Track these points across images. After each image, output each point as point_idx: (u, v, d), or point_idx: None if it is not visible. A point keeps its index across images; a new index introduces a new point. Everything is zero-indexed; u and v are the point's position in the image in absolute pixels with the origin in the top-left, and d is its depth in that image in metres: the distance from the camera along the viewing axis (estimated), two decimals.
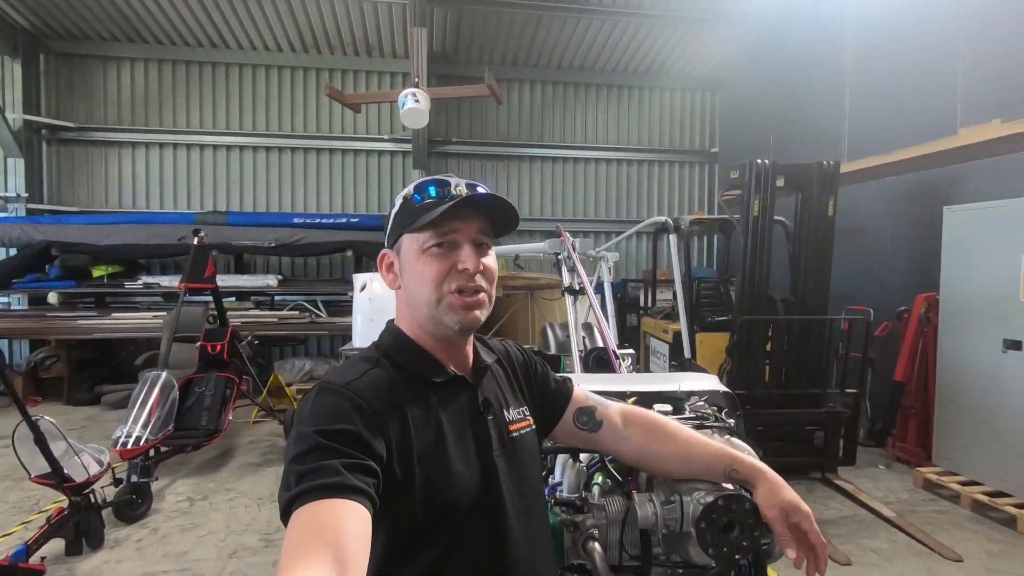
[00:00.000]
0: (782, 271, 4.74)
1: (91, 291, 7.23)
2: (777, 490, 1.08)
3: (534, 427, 1.10)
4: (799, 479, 4.46)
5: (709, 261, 8.83)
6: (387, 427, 0.88)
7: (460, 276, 0.95)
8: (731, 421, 1.49)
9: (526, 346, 2.31)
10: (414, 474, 0.89)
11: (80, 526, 3.23)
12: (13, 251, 6.98)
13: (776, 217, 4.66)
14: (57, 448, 3.08)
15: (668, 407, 1.46)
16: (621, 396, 1.56)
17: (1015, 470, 3.83)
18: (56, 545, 3.17)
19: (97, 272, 7.15)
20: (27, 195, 7.32)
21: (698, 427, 1.43)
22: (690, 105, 9.14)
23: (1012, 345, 3.90)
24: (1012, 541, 3.51)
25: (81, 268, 7.16)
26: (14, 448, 2.97)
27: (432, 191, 0.97)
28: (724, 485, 1.11)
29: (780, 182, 4.54)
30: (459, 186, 0.97)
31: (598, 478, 1.22)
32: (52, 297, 7.01)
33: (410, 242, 0.97)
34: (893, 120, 5.46)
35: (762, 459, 3.67)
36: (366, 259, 7.71)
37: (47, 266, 7.03)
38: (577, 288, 2.14)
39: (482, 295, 0.98)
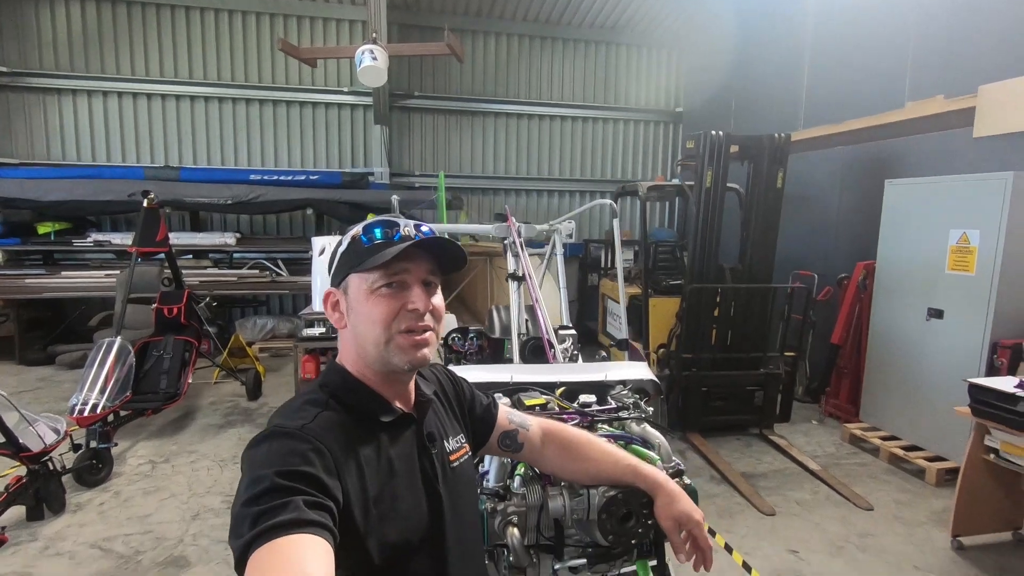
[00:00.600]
0: (735, 239, 4.91)
1: (38, 249, 6.98)
2: (673, 503, 1.19)
3: (470, 453, 1.15)
4: (739, 435, 4.80)
5: (671, 222, 9.00)
6: (343, 471, 0.88)
7: (410, 316, 0.96)
8: (651, 409, 1.63)
9: (474, 327, 2.39)
10: (369, 516, 0.90)
11: (40, 493, 3.29)
12: None
13: (730, 184, 4.79)
14: (10, 419, 3.10)
15: (592, 397, 1.59)
16: (551, 387, 1.69)
17: (929, 427, 4.20)
18: (17, 512, 3.24)
19: (43, 229, 6.88)
20: None
21: (615, 416, 1.58)
22: (656, 63, 9.06)
23: (935, 314, 4.19)
24: (919, 491, 3.89)
25: (25, 225, 6.88)
26: None
27: (379, 233, 0.97)
28: None
29: (734, 149, 4.64)
30: (407, 227, 0.99)
31: (520, 469, 1.35)
32: None
33: (358, 282, 0.97)
34: (847, 91, 5.58)
35: (705, 418, 3.95)
36: (327, 218, 7.61)
37: None
38: (521, 276, 2.22)
39: (429, 334, 0.99)
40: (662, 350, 4.98)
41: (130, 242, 5.15)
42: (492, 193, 8.76)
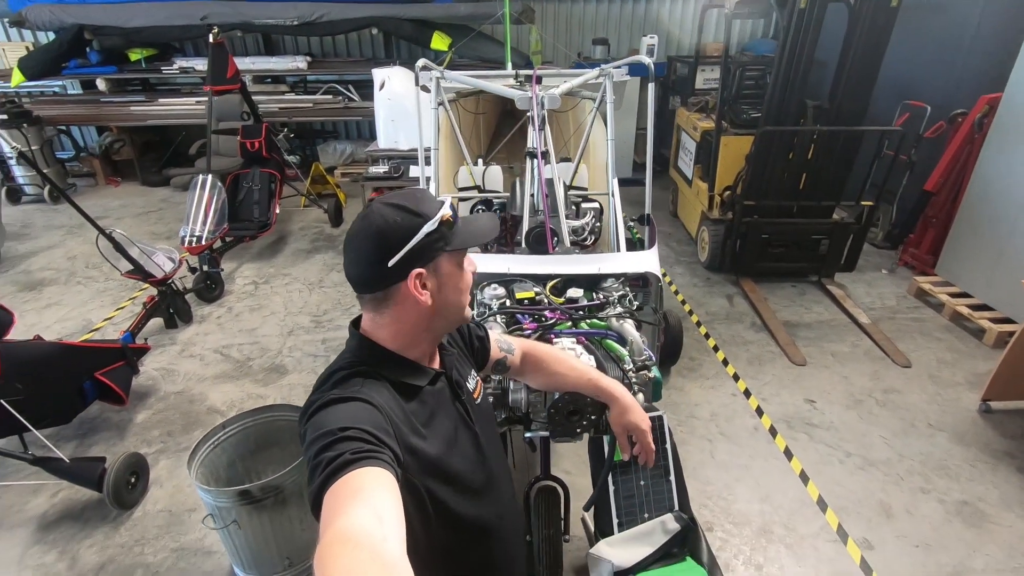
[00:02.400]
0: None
1: (134, 76, 7.41)
2: (624, 413, 1.37)
3: (483, 387, 1.28)
4: (796, 282, 4.76)
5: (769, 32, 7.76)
6: (398, 430, 0.95)
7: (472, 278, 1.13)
8: (637, 303, 1.74)
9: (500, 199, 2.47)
10: (426, 464, 0.99)
11: (170, 308, 4.07)
12: (51, 36, 7.02)
13: None
14: (133, 252, 3.73)
15: (579, 292, 1.72)
16: (545, 279, 1.82)
17: (1008, 288, 3.91)
18: (157, 322, 4.07)
19: (134, 56, 7.23)
20: None
21: (600, 309, 1.71)
22: None
23: None
24: (969, 352, 3.83)
25: (118, 51, 7.25)
26: (101, 253, 3.61)
27: (455, 211, 1.04)
28: None
29: None
30: (444, 204, 1.03)
31: None
32: (101, 83, 7.29)
33: (451, 259, 1.04)
34: None
35: (761, 264, 3.96)
36: (393, 38, 7.30)
37: (87, 50, 7.15)
38: (543, 151, 2.16)
39: None
40: (728, 193, 4.78)
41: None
42: (569, 1, 7.83)
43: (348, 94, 7.32)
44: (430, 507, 1.00)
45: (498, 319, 1.72)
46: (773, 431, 3.14)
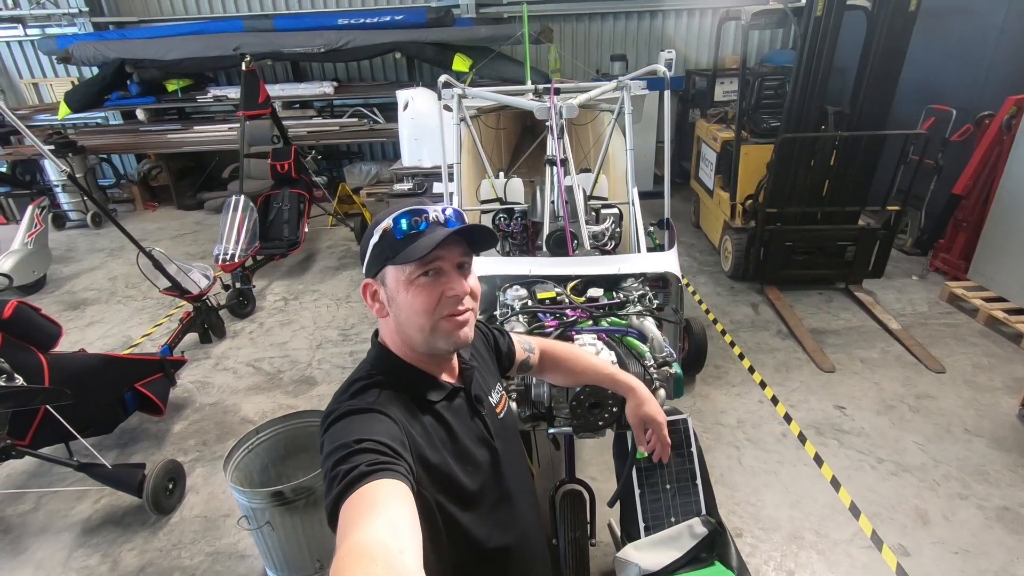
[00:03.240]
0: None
1: (171, 106, 7.78)
2: (640, 405, 1.38)
3: (508, 401, 1.27)
4: (822, 290, 4.70)
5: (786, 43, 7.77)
6: (413, 441, 0.96)
7: (449, 302, 1.00)
8: (657, 301, 1.77)
9: (521, 207, 2.54)
10: (439, 478, 0.99)
11: (205, 323, 4.22)
12: (95, 69, 7.42)
13: (857, 2, 4.03)
14: (171, 270, 3.89)
15: (600, 291, 1.75)
16: (566, 280, 1.86)
17: None
18: (192, 337, 4.22)
19: (171, 86, 7.59)
20: (87, 9, 7.48)
21: (621, 307, 1.74)
22: None
23: None
24: (1007, 357, 3.72)
25: (156, 83, 7.62)
26: (141, 271, 3.78)
27: (407, 223, 0.98)
28: None
29: None
30: (435, 212, 0.99)
31: None
32: (140, 113, 7.67)
33: (395, 273, 0.99)
34: None
35: (786, 272, 3.93)
36: (416, 61, 7.53)
37: (128, 82, 7.53)
38: (561, 159, 2.22)
39: (469, 313, 1.04)
40: (749, 201, 4.77)
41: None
42: (587, 19, 7.98)
43: (373, 116, 7.55)
44: (440, 523, 0.99)
45: (520, 319, 1.76)
46: (802, 437, 3.09)
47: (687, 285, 4.91)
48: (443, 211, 1.00)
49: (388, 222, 0.99)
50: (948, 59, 5.07)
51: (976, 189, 4.53)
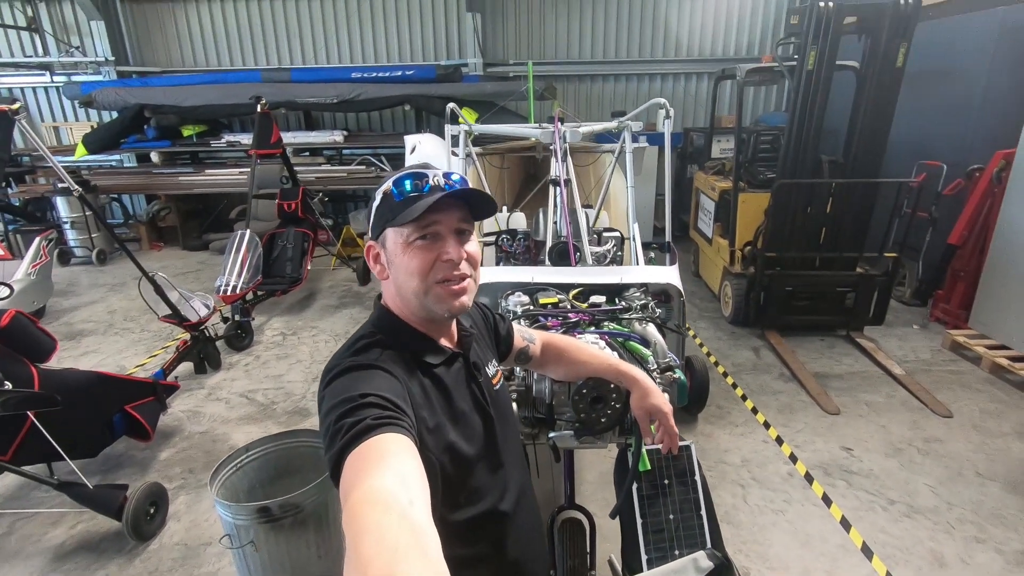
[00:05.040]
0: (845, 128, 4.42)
1: (185, 150, 8.02)
2: (645, 396, 1.35)
3: (503, 377, 1.26)
4: (824, 336, 4.68)
5: (780, 105, 8.11)
6: (414, 398, 0.96)
7: (445, 267, 0.99)
8: (660, 311, 1.76)
9: (523, 230, 2.57)
10: (437, 436, 0.98)
11: (201, 353, 4.17)
12: (114, 114, 7.70)
13: (845, 62, 4.25)
14: (172, 296, 3.89)
15: (602, 298, 1.75)
16: (568, 288, 1.86)
17: None
18: (187, 367, 4.16)
19: (187, 132, 7.85)
20: (113, 58, 7.86)
21: (616, 316, 1.74)
22: None
23: None
24: (1015, 402, 3.66)
25: (173, 128, 7.89)
26: (142, 296, 3.78)
27: (409, 185, 0.98)
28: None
29: (850, 20, 4.06)
30: (436, 177, 0.99)
31: None
32: (154, 156, 7.90)
33: (394, 236, 1.00)
34: None
35: (787, 318, 3.96)
36: (425, 113, 7.83)
37: (145, 127, 7.80)
38: (564, 179, 2.29)
39: (467, 281, 1.03)
40: (748, 247, 4.83)
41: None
42: (589, 80, 8.37)
43: (380, 165, 7.77)
44: (441, 483, 0.98)
45: (523, 323, 1.75)
46: (809, 477, 2.99)
47: (688, 329, 4.88)
48: (445, 175, 1.00)
49: (389, 184, 1.00)
50: (936, 117, 5.28)
51: (971, 239, 4.60)
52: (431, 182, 0.98)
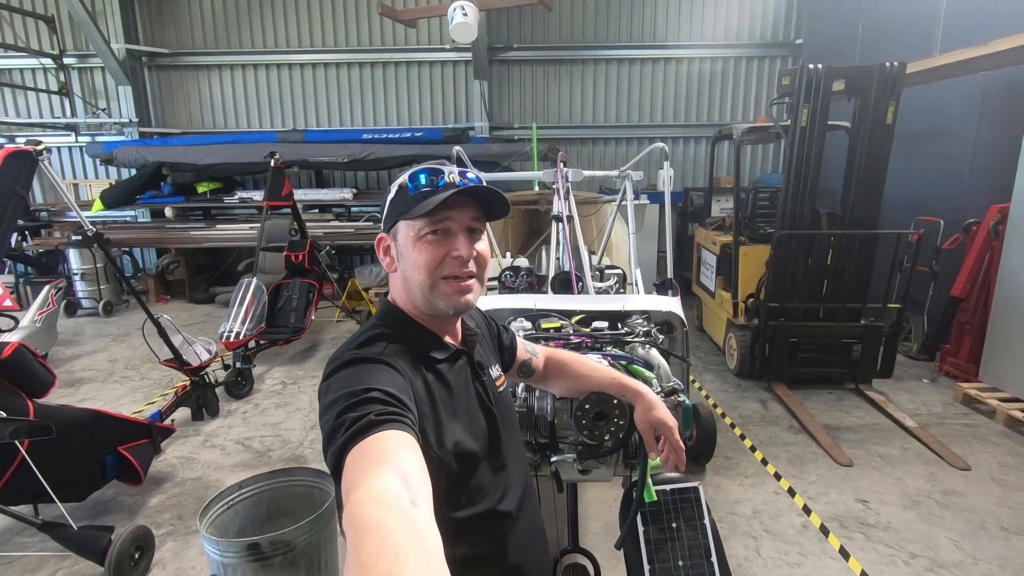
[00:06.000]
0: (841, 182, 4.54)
1: (198, 206, 8.26)
2: (649, 410, 1.32)
3: (506, 382, 1.24)
4: (832, 389, 4.60)
5: (777, 166, 8.37)
6: (417, 393, 0.95)
7: (453, 263, 0.99)
8: (662, 337, 1.76)
9: (527, 266, 2.60)
10: (441, 433, 0.97)
11: (200, 399, 4.12)
12: (133, 171, 8.00)
13: (837, 123, 4.43)
14: (175, 340, 3.89)
15: (604, 323, 1.75)
16: (569, 314, 1.87)
17: None
18: (184, 413, 4.09)
19: (201, 188, 8.12)
20: (137, 120, 8.26)
21: (619, 340, 1.73)
22: None
23: None
24: None
25: (188, 185, 8.17)
26: (145, 339, 3.78)
27: (424, 180, 0.98)
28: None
29: (840, 85, 4.28)
30: (452, 174, 0.99)
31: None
32: (168, 211, 8.12)
33: (406, 229, 1.00)
34: (994, 6, 4.79)
35: (793, 369, 3.93)
36: None
37: (161, 184, 8.07)
38: (566, 216, 2.36)
39: (473, 280, 1.03)
40: (751, 300, 4.84)
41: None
42: (591, 143, 8.70)
43: None
44: (442, 480, 0.95)
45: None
46: (824, 530, 2.85)
47: (693, 381, 4.82)
48: (461, 173, 1.01)
49: (405, 178, 1.01)
50: (931, 176, 5.42)
51: (974, 292, 4.60)
52: (447, 178, 0.99)
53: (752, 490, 3.22)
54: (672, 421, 1.31)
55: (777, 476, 3.36)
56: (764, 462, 3.52)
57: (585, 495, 3.06)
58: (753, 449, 3.68)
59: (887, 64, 4.02)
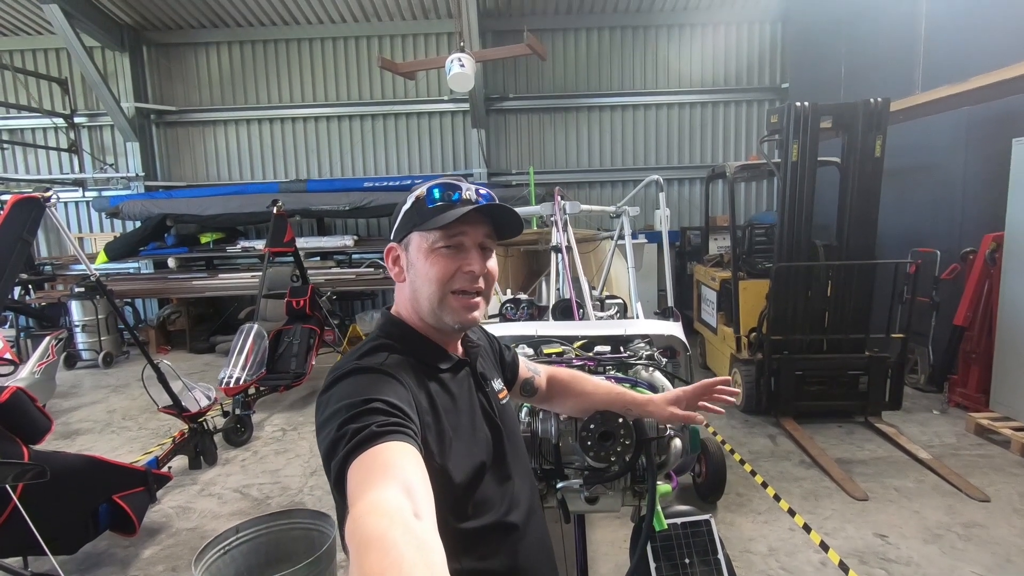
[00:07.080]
0: (835, 215, 4.61)
1: (201, 256, 8.34)
2: (663, 400, 1.35)
3: (508, 396, 1.24)
4: (841, 422, 4.52)
5: (771, 205, 8.51)
6: (419, 403, 0.94)
7: (465, 278, 1.00)
8: (664, 360, 1.75)
9: (527, 297, 2.60)
10: (444, 443, 0.96)
11: (198, 447, 4.04)
12: (137, 223, 8.12)
13: (827, 158, 4.54)
14: (175, 386, 3.85)
15: (606, 347, 1.74)
16: (571, 340, 1.86)
17: None
18: (181, 461, 4.01)
19: (204, 239, 8.22)
20: (143, 174, 8.46)
21: (622, 363, 1.72)
22: (758, 39, 8.60)
23: None
24: None
25: (191, 236, 8.27)
26: (144, 386, 3.75)
27: (441, 194, 1.00)
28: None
29: (827, 123, 4.40)
30: (469, 191, 1.01)
31: (525, 407, 1.55)
32: (171, 262, 8.20)
33: (419, 240, 1.01)
34: (971, 45, 4.99)
35: (800, 403, 3.92)
36: None
37: (165, 235, 8.18)
38: (564, 246, 2.40)
39: (480, 298, 1.04)
40: (753, 333, 4.82)
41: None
42: (587, 186, 8.87)
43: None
44: (447, 491, 0.94)
45: None
46: (844, 566, 2.74)
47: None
48: (477, 190, 1.03)
49: (423, 190, 1.03)
50: (924, 209, 5.50)
51: (977, 320, 4.59)
52: (464, 194, 1.01)
53: (766, 527, 3.12)
54: (690, 387, 1.32)
55: (791, 512, 3.26)
56: (777, 498, 3.42)
57: (594, 535, 2.96)
58: (765, 485, 3.59)
59: (871, 100, 4.16)
